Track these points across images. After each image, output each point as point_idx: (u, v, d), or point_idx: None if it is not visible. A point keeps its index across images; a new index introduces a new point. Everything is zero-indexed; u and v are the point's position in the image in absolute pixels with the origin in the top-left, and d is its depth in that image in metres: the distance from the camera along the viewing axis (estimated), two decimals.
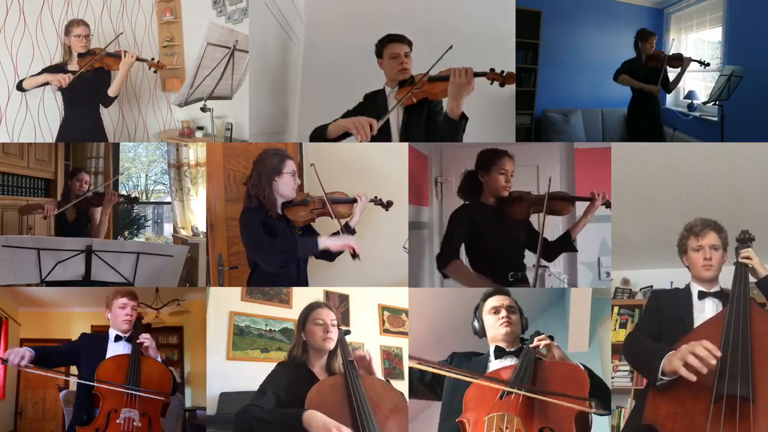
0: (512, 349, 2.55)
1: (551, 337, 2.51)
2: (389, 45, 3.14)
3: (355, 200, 2.97)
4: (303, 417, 2.01)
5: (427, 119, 3.12)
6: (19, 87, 3.75)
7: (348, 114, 3.21)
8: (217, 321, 3.38)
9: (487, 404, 2.19)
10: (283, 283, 3.03)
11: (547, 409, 2.12)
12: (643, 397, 2.27)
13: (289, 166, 2.84)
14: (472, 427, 2.17)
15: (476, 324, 2.67)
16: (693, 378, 2.00)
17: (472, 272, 3.07)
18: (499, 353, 2.55)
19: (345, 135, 3.11)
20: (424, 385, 2.62)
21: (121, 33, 4.13)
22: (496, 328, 2.58)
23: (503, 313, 2.58)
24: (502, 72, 2.97)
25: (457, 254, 3.09)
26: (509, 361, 2.51)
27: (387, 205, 3.08)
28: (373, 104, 3.21)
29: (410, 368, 2.67)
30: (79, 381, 2.78)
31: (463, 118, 2.95)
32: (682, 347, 2.07)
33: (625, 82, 4.26)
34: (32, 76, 3.74)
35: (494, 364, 2.52)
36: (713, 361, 2.00)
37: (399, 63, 3.11)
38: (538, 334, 2.52)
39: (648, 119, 4.29)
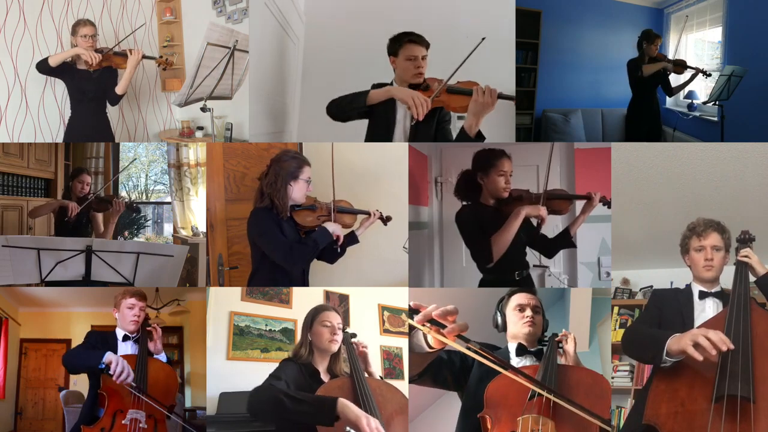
0: (533, 349, 2.55)
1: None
2: (407, 45, 3.01)
3: (359, 212, 3.04)
4: (338, 402, 2.04)
5: (436, 128, 3.05)
6: (42, 66, 3.70)
7: (354, 96, 3.13)
8: (217, 321, 3.38)
9: (511, 402, 2.19)
10: (283, 283, 3.02)
11: (571, 415, 2.11)
12: (643, 396, 2.27)
13: (306, 172, 2.89)
14: (497, 425, 2.17)
15: (498, 318, 2.67)
16: (700, 357, 2.00)
17: (503, 229, 2.93)
18: (521, 351, 2.55)
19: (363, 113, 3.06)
20: (453, 374, 2.56)
21: (140, 26, 4.08)
22: (519, 326, 2.58)
23: (528, 312, 2.59)
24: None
25: (488, 240, 2.95)
26: (529, 361, 2.52)
27: (386, 220, 3.11)
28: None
29: (439, 356, 2.58)
30: (90, 379, 2.77)
31: (480, 137, 2.89)
32: (693, 330, 2.08)
33: (650, 68, 4.20)
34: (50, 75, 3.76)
35: (515, 362, 2.52)
36: (724, 348, 1.99)
37: (416, 66, 2.99)
38: (555, 336, 2.53)
39: (648, 119, 4.30)
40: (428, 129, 3.04)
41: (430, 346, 1.95)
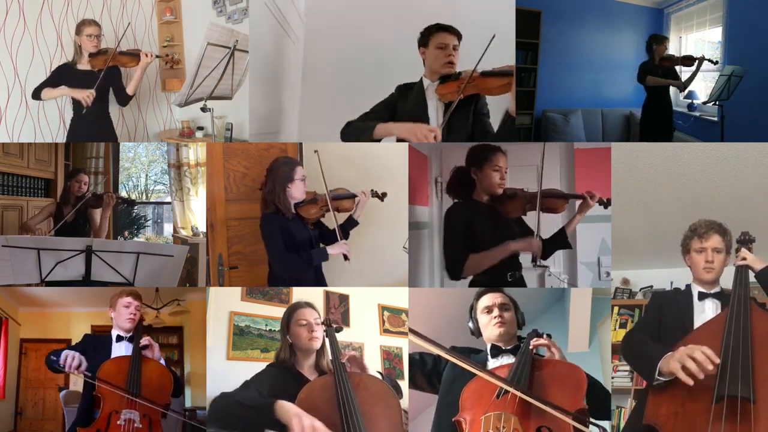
0: (509, 347, 2.54)
1: (549, 336, 2.50)
2: (438, 34, 2.95)
3: (356, 195, 3.17)
4: (275, 406, 2.06)
5: (474, 121, 2.96)
6: (36, 95, 3.72)
7: (380, 106, 3.07)
8: (217, 321, 3.38)
9: (484, 404, 2.19)
10: (304, 284, 3.15)
11: (543, 410, 2.11)
12: (644, 397, 2.27)
13: (299, 172, 3.06)
14: (469, 427, 2.17)
15: (471, 324, 2.66)
16: (690, 382, 2.01)
17: (486, 254, 2.89)
18: (496, 352, 2.54)
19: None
20: (424, 375, 2.61)
21: (129, 24, 4.08)
22: (489, 328, 2.57)
23: (495, 312, 2.57)
24: None
25: (466, 254, 2.91)
26: (506, 360, 2.51)
27: (382, 197, 3.20)
28: (407, 98, 3.05)
29: (411, 357, 2.67)
30: (86, 381, 2.77)
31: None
32: (681, 349, 2.07)
33: (652, 82, 4.27)
34: (49, 86, 3.70)
35: (491, 363, 2.52)
36: (710, 367, 2.00)
37: (447, 55, 2.92)
38: (536, 332, 2.51)
39: (661, 118, 4.31)
40: (464, 124, 2.96)
41: None
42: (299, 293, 3.54)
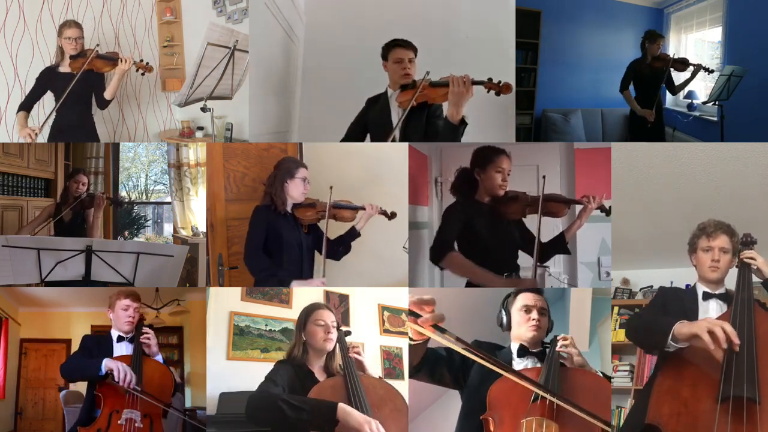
0: (535, 350, 2.52)
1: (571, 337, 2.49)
2: (394, 49, 3.17)
3: (360, 208, 3.19)
4: (338, 408, 2.06)
5: (426, 122, 3.13)
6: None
7: (353, 124, 3.29)
8: (217, 321, 3.38)
9: (514, 404, 2.17)
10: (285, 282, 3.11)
11: (573, 418, 2.09)
12: (644, 395, 2.27)
13: (302, 172, 3.12)
14: (500, 427, 2.15)
15: (503, 317, 2.61)
16: (711, 345, 1.99)
17: (471, 264, 2.98)
18: (522, 352, 2.52)
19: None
20: (451, 372, 2.52)
21: (97, 45, 4.03)
22: (524, 329, 2.53)
23: (534, 314, 2.53)
24: (499, 82, 2.95)
25: (452, 246, 3.02)
26: (531, 363, 2.49)
27: (391, 216, 3.22)
28: (375, 107, 3.26)
29: (437, 351, 2.53)
30: (88, 381, 2.78)
31: (463, 123, 2.97)
32: (709, 318, 2.08)
33: (626, 98, 4.28)
34: (33, 98, 3.74)
35: (516, 363, 2.49)
36: (737, 340, 2.00)
37: (402, 68, 3.14)
38: (557, 338, 2.50)
39: (648, 128, 4.29)
40: (418, 123, 3.13)
41: (411, 338, 2.04)
42: (300, 293, 3.55)
